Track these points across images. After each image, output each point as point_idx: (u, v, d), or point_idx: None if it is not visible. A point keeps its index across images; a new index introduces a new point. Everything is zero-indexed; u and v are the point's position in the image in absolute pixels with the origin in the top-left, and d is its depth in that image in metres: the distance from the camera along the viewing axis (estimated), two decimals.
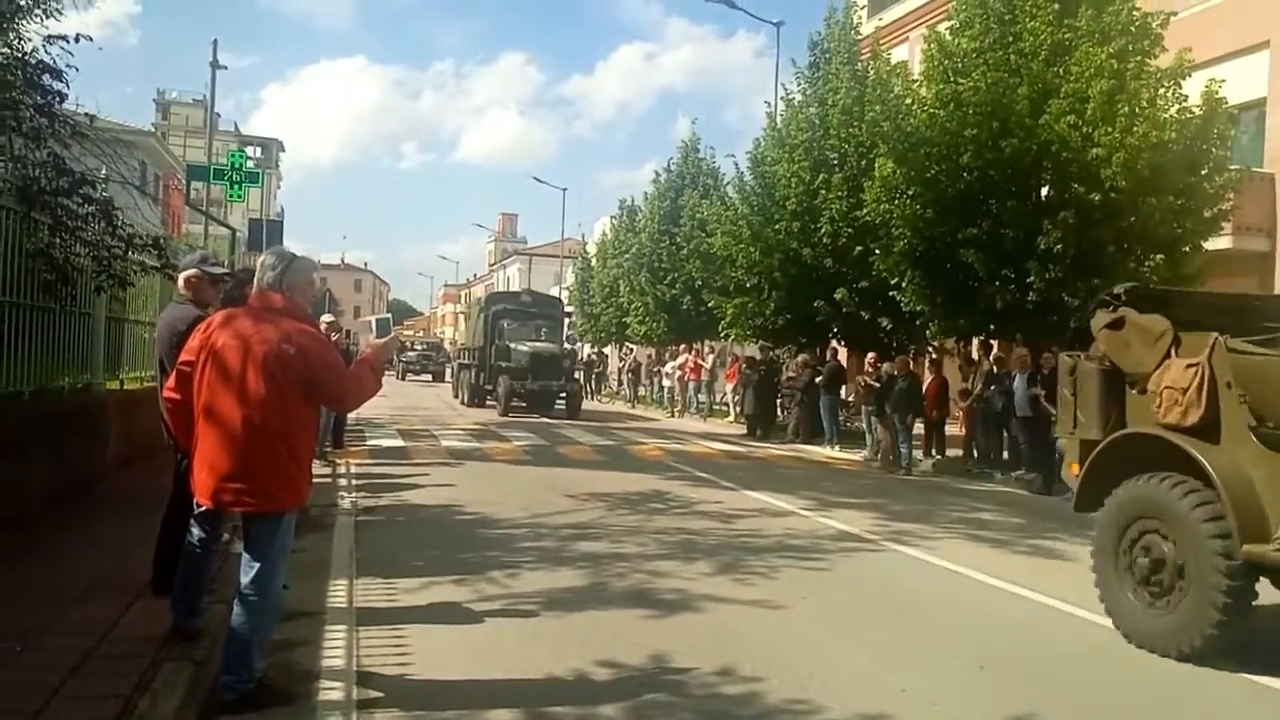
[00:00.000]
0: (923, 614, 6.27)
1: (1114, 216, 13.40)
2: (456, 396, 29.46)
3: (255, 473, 3.89)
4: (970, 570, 7.52)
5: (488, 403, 25.36)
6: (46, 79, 7.44)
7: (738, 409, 22.39)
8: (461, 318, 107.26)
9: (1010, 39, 14.43)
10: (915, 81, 16.49)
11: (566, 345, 29.67)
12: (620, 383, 35.48)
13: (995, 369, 14.78)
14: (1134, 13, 13.87)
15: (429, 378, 46.63)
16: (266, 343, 3.92)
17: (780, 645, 5.37)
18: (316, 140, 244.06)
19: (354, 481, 10.80)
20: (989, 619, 6.24)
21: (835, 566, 7.54)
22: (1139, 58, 13.70)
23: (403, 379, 44.54)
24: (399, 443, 15.43)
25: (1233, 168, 14.30)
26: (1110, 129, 12.89)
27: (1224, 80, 13.61)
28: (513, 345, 24.17)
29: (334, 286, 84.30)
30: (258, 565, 3.98)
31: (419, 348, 51.45)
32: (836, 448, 17.57)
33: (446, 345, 57.85)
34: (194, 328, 4.84)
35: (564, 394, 24.04)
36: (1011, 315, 14.51)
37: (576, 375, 27.13)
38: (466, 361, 28.64)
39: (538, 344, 24.38)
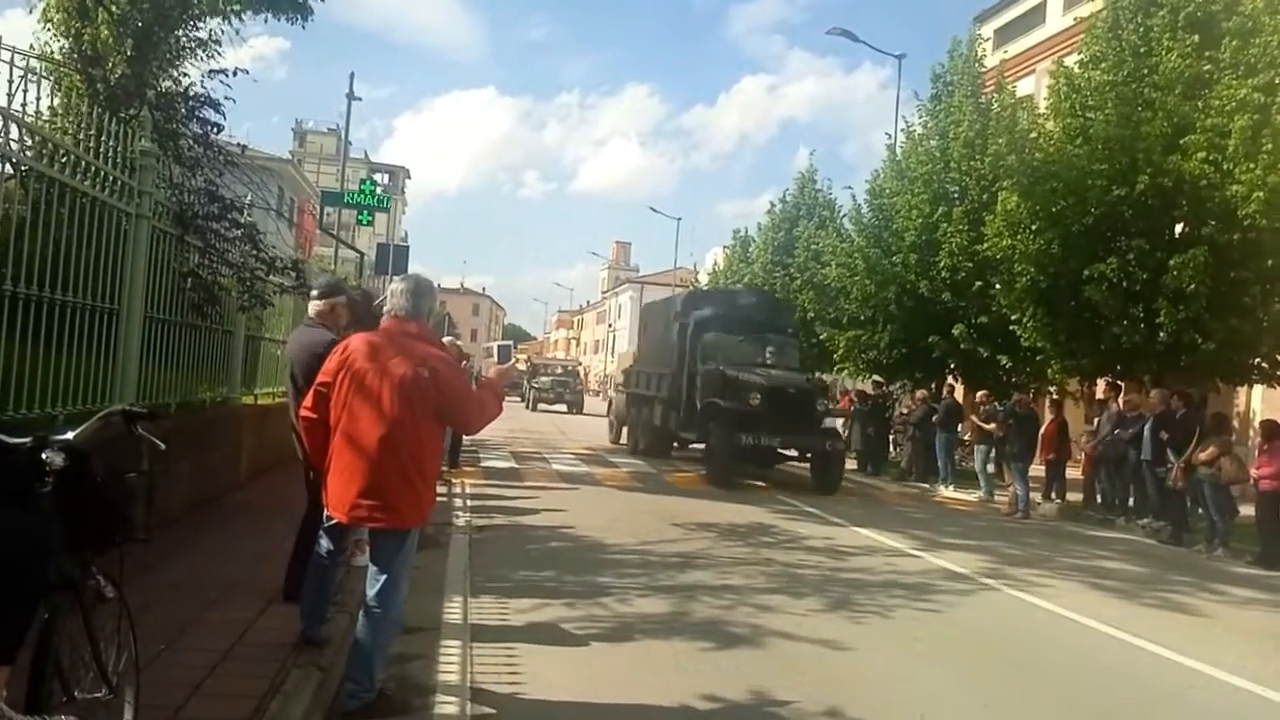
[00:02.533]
0: (1042, 663, 6.07)
1: (1255, 256, 12.81)
2: (618, 440, 21.59)
3: (388, 490, 4.05)
4: (1093, 621, 7.22)
5: (673, 453, 18.33)
6: (206, 111, 8.00)
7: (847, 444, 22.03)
8: (573, 342, 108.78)
9: (1144, 72, 14.00)
10: (1042, 115, 16.13)
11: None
12: None
13: (1124, 412, 14.19)
14: None
15: (564, 408, 39.22)
16: (402, 367, 4.09)
17: (889, 688, 5.28)
18: (444, 168, 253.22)
19: (468, 501, 11.07)
20: (1116, 674, 5.97)
21: (949, 609, 7.35)
22: None
23: (532, 409, 38.33)
24: (511, 464, 15.76)
25: None
26: (1252, 165, 12.33)
27: None
28: (733, 373, 15.37)
29: (453, 310, 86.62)
30: (383, 578, 4.14)
31: (557, 372, 42.80)
32: (951, 487, 17.11)
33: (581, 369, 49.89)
34: (330, 350, 5.13)
35: (813, 452, 15.16)
36: (1139, 355, 13.95)
37: (831, 423, 16.83)
38: (643, 391, 19.22)
39: (774, 372, 15.77)
